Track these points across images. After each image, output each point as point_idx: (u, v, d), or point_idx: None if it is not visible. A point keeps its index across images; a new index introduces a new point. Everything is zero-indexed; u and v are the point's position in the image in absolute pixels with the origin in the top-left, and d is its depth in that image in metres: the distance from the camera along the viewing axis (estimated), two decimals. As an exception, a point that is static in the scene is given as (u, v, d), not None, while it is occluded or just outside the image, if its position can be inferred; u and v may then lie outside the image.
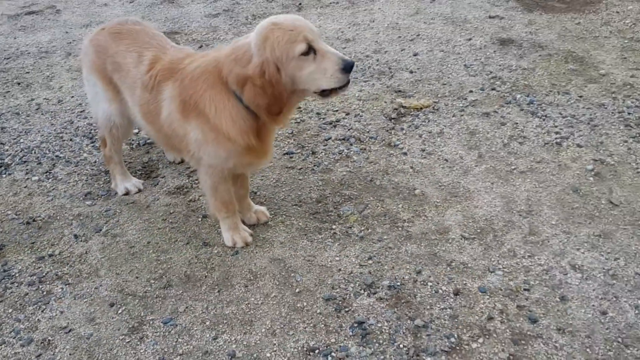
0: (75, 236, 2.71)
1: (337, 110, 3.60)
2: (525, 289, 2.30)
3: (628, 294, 2.25)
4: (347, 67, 2.08)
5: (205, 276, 2.45)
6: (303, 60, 2.07)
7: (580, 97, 3.60)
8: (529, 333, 2.11)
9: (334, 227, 2.68)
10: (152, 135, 2.68)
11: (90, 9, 5.46)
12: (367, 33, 4.66)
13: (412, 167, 3.06)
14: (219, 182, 2.47)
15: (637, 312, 2.16)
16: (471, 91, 3.73)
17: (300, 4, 5.34)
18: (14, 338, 2.20)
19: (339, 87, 2.12)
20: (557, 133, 3.26)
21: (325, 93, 2.16)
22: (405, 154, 3.17)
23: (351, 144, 3.27)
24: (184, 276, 2.45)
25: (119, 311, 2.31)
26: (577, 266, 2.39)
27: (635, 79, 3.76)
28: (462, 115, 3.49)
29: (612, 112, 3.42)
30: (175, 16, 5.17)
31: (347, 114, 3.55)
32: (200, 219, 2.78)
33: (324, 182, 2.98)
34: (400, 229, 2.66)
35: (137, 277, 2.46)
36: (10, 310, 2.33)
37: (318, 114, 3.57)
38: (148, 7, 5.43)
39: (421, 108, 3.56)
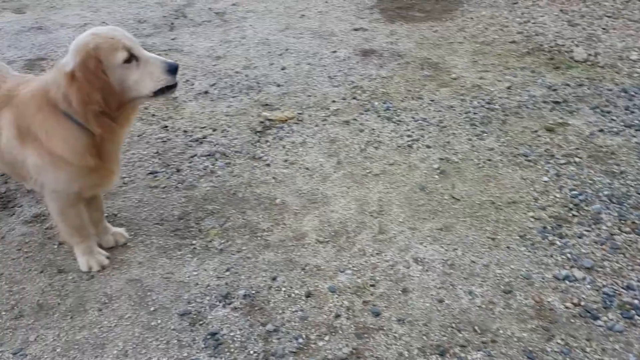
0: None
1: (204, 127, 3.65)
2: (371, 285, 2.47)
3: (463, 281, 2.48)
4: (171, 69, 2.19)
5: (59, 303, 2.40)
6: (126, 68, 2.14)
7: (432, 100, 3.90)
8: (371, 326, 2.27)
9: (194, 242, 2.72)
10: None
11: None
12: (237, 50, 4.76)
13: (274, 178, 3.17)
14: (66, 207, 2.44)
15: (470, 297, 2.39)
16: (334, 101, 3.93)
17: (172, 24, 5.34)
18: None
19: (167, 87, 2.21)
20: (409, 136, 3.51)
21: (156, 94, 2.23)
22: (268, 165, 3.28)
23: (216, 159, 3.33)
24: (37, 305, 2.39)
25: (-34, 348, 2.22)
26: (419, 259, 2.60)
27: (483, 81, 4.13)
28: (324, 124, 3.66)
29: (460, 113, 3.74)
30: (43, 42, 4.98)
31: (214, 130, 3.62)
32: (56, 246, 2.71)
33: (188, 199, 3.01)
34: (259, 238, 2.75)
35: (-15, 312, 2.38)
36: None
37: (185, 131, 3.60)
38: (15, 34, 5.20)
39: (286, 120, 3.70)
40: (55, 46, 4.85)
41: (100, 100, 2.10)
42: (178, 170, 3.24)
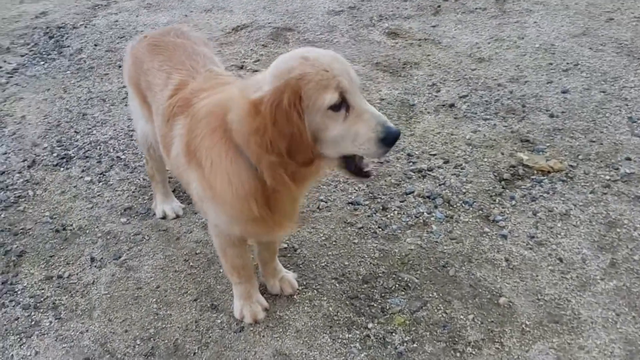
0: (92, 259, 2.43)
1: (434, 154, 2.82)
2: None
3: None
4: (388, 139, 1.47)
5: (194, 353, 1.98)
6: (330, 116, 1.48)
7: None
8: None
9: (370, 326, 2.01)
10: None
11: (220, -8, 5.25)
12: (509, 53, 3.69)
13: (507, 260, 2.22)
14: (226, 245, 1.97)
15: None
16: (629, 158, 2.66)
17: (439, 6, 4.48)
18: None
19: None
20: None
21: (347, 166, 1.59)
22: (504, 236, 2.33)
23: (436, 207, 2.50)
24: (173, 346, 2.02)
25: (88, 371, 1.97)
26: None
27: None
28: (605, 193, 2.48)
29: None
30: (296, 9, 4.69)
31: (446, 161, 2.76)
32: (221, 270, 2.31)
33: (382, 255, 2.29)
34: (458, 355, 1.90)
35: (126, 331, 2.09)
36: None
37: (409, 155, 2.83)
38: (273, -6, 5.05)
39: (549, 172, 2.63)
40: (306, 16, 4.50)
41: (284, 150, 1.48)
42: (384, 209, 2.53)
